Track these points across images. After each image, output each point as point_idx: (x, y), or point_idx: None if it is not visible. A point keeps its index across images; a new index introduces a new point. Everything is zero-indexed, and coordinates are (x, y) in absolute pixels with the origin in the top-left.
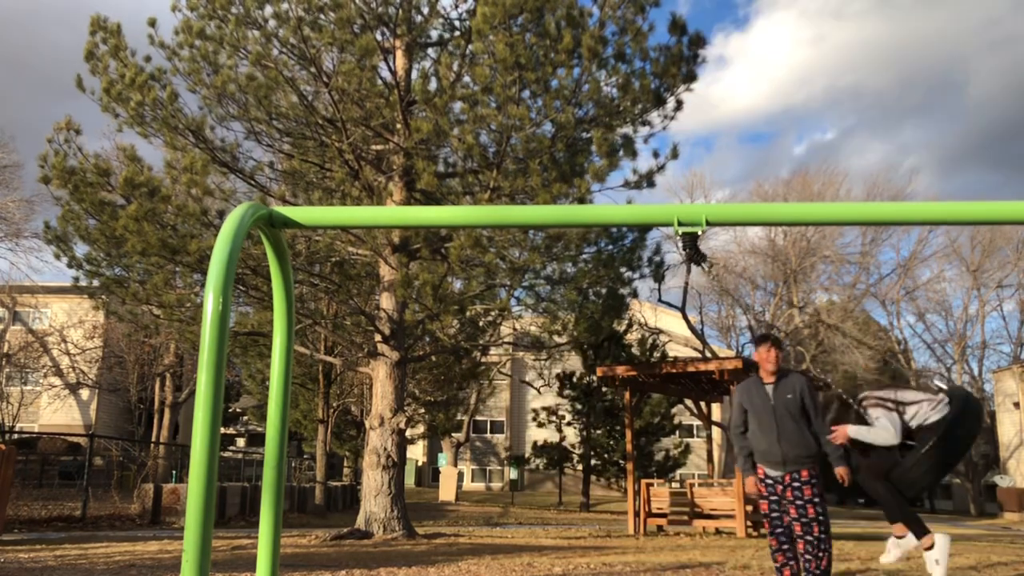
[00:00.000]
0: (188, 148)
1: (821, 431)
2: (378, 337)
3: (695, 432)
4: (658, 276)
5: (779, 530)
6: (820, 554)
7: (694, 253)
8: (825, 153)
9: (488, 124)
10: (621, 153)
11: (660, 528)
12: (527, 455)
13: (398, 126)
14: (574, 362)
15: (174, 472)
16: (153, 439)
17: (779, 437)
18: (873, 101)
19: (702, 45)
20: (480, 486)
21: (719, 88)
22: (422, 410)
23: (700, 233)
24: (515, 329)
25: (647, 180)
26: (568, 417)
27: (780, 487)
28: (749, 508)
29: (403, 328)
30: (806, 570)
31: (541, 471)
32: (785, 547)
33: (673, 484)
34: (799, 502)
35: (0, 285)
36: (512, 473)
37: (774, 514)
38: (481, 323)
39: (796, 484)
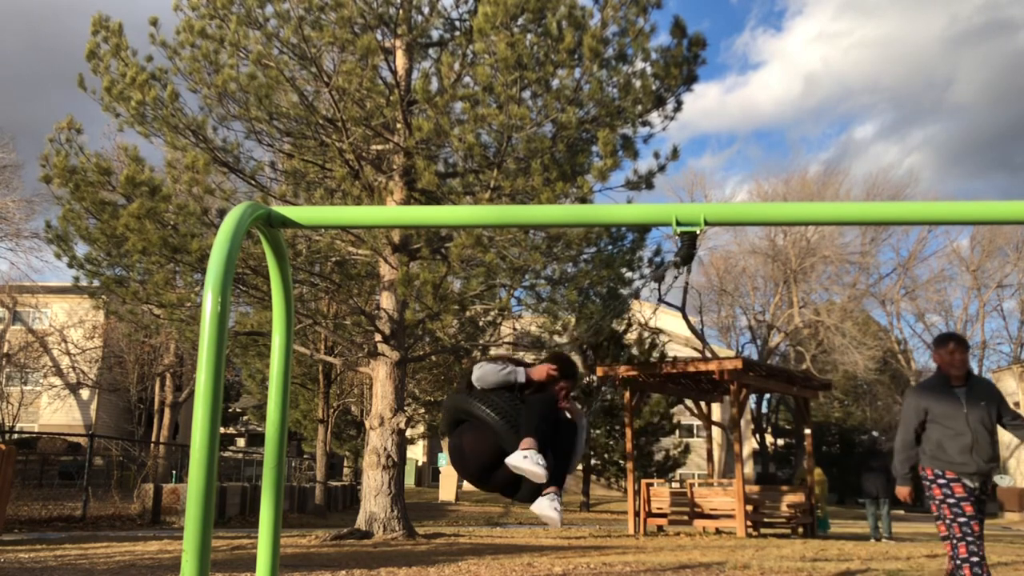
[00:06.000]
0: (189, 147)
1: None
2: (378, 337)
3: (695, 432)
4: (658, 276)
5: (970, 537)
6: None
7: (686, 254)
8: (825, 152)
9: (489, 124)
10: (622, 153)
11: (660, 528)
12: None
13: (398, 126)
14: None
15: (174, 472)
16: (153, 439)
17: (973, 447)
18: (874, 100)
19: (702, 46)
20: None
21: (722, 88)
22: (422, 410)
23: (699, 232)
24: (515, 329)
25: (646, 181)
26: None
27: (973, 498)
28: (749, 508)
29: (403, 328)
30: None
31: None
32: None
33: (673, 484)
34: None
35: (0, 285)
36: None
37: (974, 521)
38: (481, 323)
39: (983, 497)
